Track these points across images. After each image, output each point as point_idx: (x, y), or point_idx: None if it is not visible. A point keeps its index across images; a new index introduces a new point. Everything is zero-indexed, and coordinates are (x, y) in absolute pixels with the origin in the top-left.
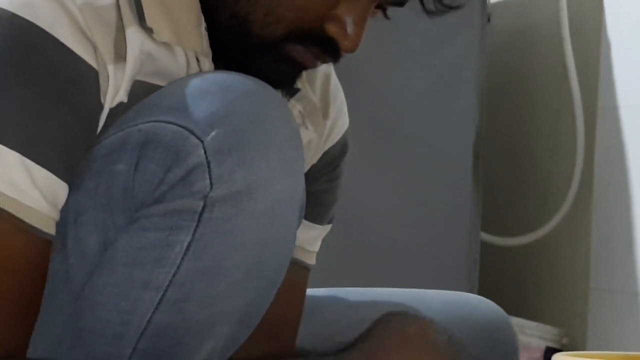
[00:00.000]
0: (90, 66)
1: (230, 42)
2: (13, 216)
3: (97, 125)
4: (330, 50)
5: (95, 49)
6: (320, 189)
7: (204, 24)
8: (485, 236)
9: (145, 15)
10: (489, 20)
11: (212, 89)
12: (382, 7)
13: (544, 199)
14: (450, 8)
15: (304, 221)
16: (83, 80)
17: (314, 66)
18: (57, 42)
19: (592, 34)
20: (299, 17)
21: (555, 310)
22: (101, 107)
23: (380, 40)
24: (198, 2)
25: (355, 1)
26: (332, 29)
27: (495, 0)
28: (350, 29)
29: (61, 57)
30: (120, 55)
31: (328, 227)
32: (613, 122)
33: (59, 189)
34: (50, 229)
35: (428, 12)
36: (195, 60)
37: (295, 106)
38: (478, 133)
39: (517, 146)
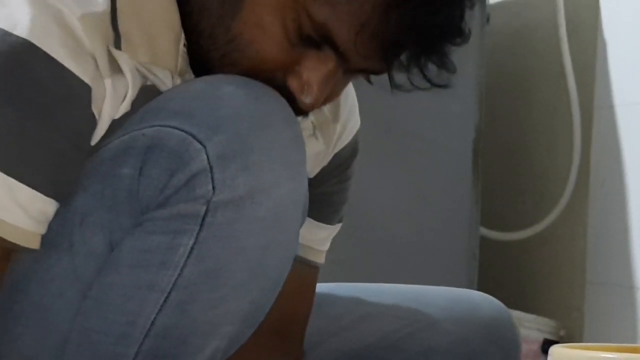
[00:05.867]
0: (80, 80)
1: (200, 69)
2: None
3: (89, 138)
4: (289, 103)
5: (95, 60)
6: (330, 190)
7: (182, 42)
8: (484, 231)
9: (120, 32)
10: (488, 20)
11: (216, 94)
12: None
13: (541, 195)
14: (439, 87)
15: (314, 222)
16: (72, 95)
17: None
18: (47, 57)
19: (589, 34)
20: (254, 66)
21: (553, 303)
22: (94, 120)
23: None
24: (179, 19)
25: (321, 63)
26: (293, 83)
27: (494, 1)
28: (309, 87)
29: (50, 73)
30: (117, 67)
31: (338, 226)
32: (609, 120)
33: (45, 205)
34: (32, 244)
35: (394, 86)
36: (174, 78)
37: (308, 116)
38: (477, 130)
39: (516, 143)
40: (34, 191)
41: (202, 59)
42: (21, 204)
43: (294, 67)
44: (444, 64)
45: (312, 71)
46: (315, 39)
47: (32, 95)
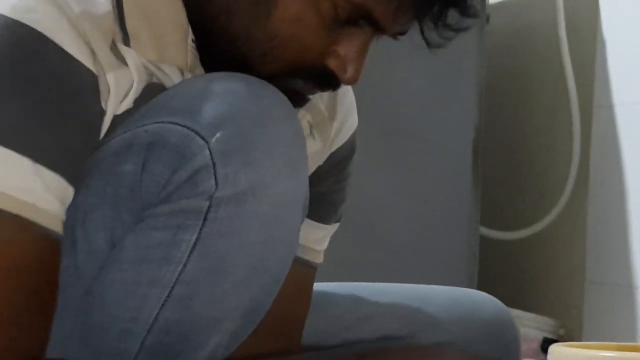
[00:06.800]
0: (90, 71)
1: (232, 69)
2: (28, 221)
3: (99, 130)
4: (330, 82)
5: (94, 55)
6: (328, 190)
7: (190, 37)
8: (484, 230)
9: (128, 31)
10: (488, 20)
11: (217, 91)
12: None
13: (541, 194)
14: (458, 31)
15: (312, 222)
16: (83, 86)
17: (314, 94)
18: (58, 48)
19: (588, 34)
20: (297, 57)
21: (552, 302)
22: (103, 112)
23: (381, 39)
24: (185, 16)
25: (355, 37)
26: (332, 63)
27: (494, 1)
28: (350, 63)
29: (62, 64)
30: (122, 62)
31: (335, 226)
32: (608, 120)
33: (68, 192)
34: (60, 229)
35: (430, 45)
36: (184, 75)
37: (305, 116)
38: (477, 130)
39: (515, 143)
40: (61, 178)
41: (238, 59)
42: (52, 191)
43: (331, 48)
44: (467, 11)
45: (349, 47)
46: (352, 18)
47: (47, 85)
